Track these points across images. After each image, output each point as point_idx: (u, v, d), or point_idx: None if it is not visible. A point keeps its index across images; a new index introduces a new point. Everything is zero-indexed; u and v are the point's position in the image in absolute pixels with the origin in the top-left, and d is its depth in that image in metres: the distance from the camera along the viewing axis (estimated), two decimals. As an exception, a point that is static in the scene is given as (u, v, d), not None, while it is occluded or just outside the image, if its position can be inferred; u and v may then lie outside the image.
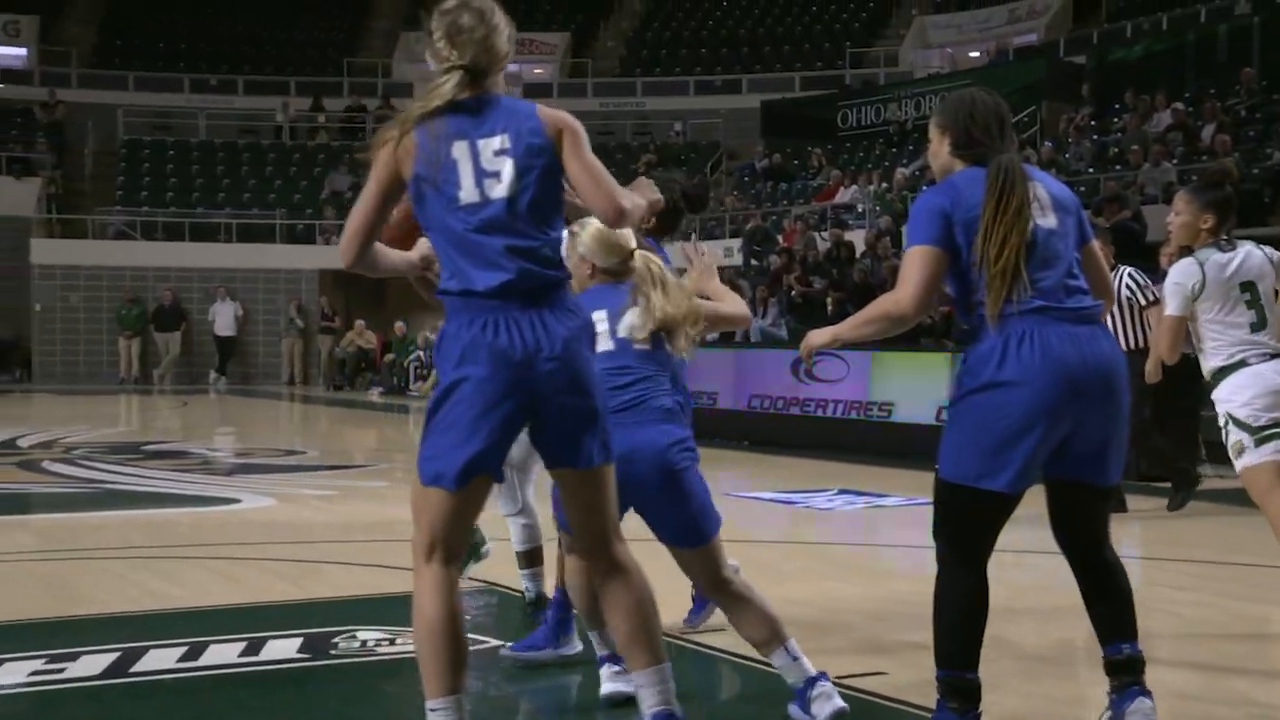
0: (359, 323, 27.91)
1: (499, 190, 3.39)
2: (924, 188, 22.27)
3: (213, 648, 5.28)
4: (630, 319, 4.20)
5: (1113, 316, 8.86)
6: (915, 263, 3.72)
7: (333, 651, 5.28)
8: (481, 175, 3.40)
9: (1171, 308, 5.34)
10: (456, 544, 3.48)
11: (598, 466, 3.53)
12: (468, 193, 3.40)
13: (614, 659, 4.43)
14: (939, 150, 3.94)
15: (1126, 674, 3.88)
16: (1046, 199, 3.81)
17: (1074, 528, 3.95)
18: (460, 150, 3.41)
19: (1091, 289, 3.85)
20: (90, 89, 33.64)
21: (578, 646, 5.07)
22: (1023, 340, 3.66)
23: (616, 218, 3.56)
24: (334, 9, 38.09)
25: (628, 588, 3.61)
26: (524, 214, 3.40)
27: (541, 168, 3.43)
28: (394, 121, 3.46)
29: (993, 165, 3.75)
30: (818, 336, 4.03)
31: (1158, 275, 10.93)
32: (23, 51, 35.56)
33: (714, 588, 4.20)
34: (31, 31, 35.50)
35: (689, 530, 4.09)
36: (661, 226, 5.25)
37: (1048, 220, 3.78)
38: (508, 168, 3.40)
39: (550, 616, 5.11)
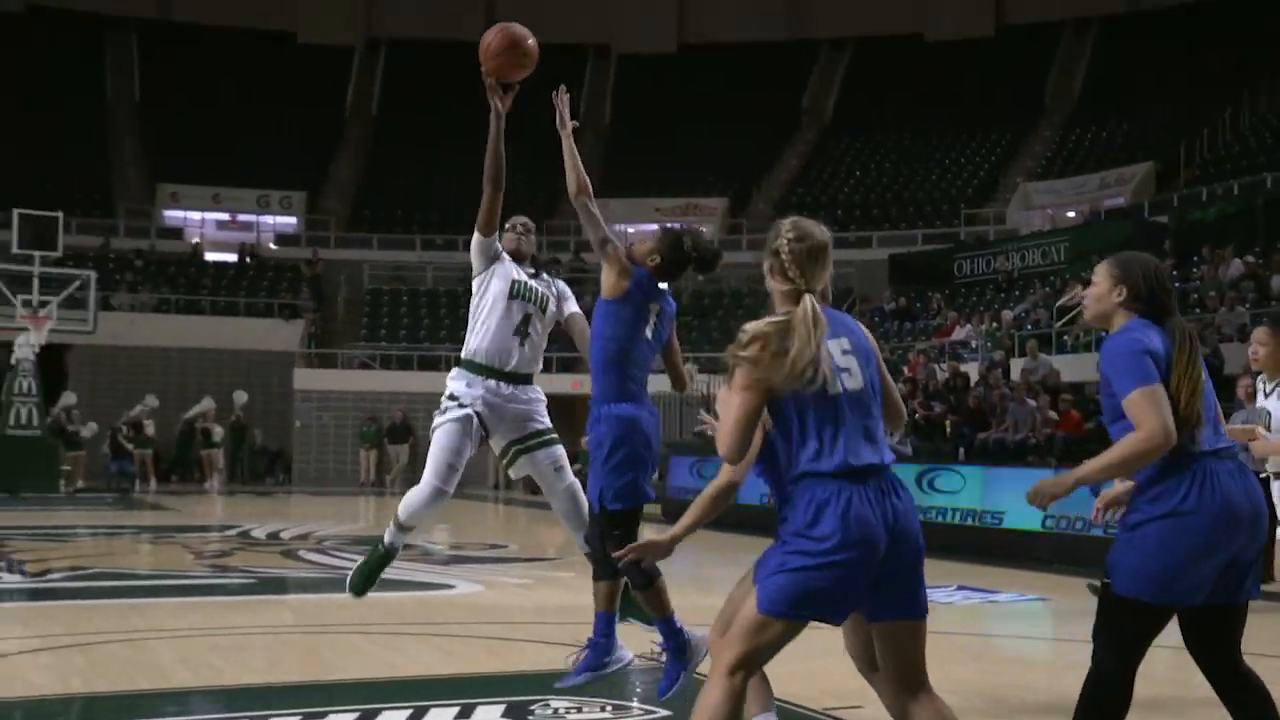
0: (553, 438, 28.07)
1: (853, 382, 3.42)
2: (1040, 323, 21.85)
3: (433, 711, 5.31)
4: None
5: None
6: (1149, 400, 3.53)
7: (530, 718, 5.27)
8: (837, 370, 3.41)
9: None
10: (761, 666, 3.46)
11: (925, 617, 3.48)
12: (830, 385, 3.39)
13: None
14: (1106, 297, 3.77)
15: None
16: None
17: (1216, 648, 3.76)
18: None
19: None
20: (344, 249, 34.95)
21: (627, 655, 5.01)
22: (1206, 477, 3.58)
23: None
24: (535, 179, 39.03)
25: (941, 715, 3.47)
26: (873, 402, 3.44)
27: (874, 368, 3.49)
28: (765, 344, 3.37)
29: (1177, 326, 3.69)
30: (1056, 488, 3.72)
31: (1235, 404, 10.55)
32: (293, 220, 37.15)
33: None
34: (301, 204, 37.10)
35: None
36: (665, 270, 4.89)
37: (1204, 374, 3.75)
38: (855, 364, 3.44)
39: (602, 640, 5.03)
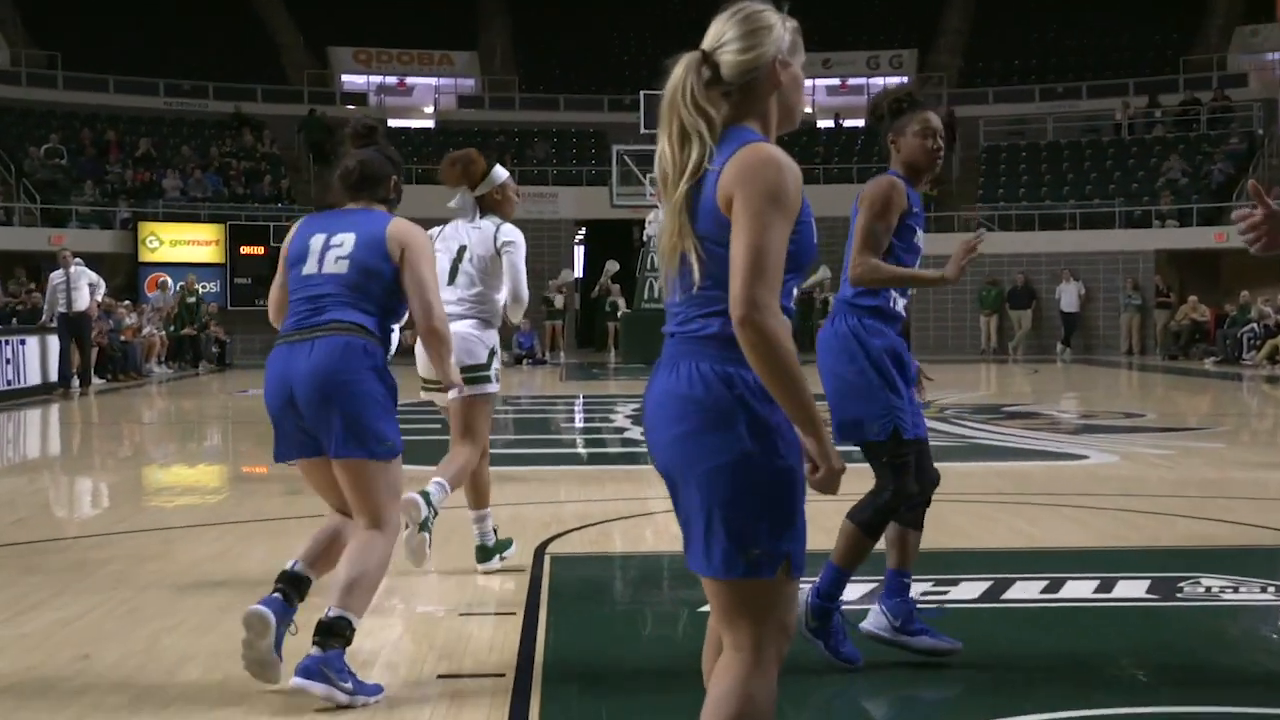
0: (1192, 298, 26.48)
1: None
2: None
3: (1069, 583, 5.30)
4: None
5: None
6: None
7: (1178, 595, 5.12)
8: None
9: None
10: None
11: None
12: None
13: None
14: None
15: None
16: None
17: None
18: None
19: None
20: (957, 104, 34.49)
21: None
22: None
23: None
24: (1170, 13, 36.24)
25: None
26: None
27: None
28: None
29: None
30: None
31: None
32: (904, 79, 37.09)
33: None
34: (911, 62, 36.98)
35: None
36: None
37: None
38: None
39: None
